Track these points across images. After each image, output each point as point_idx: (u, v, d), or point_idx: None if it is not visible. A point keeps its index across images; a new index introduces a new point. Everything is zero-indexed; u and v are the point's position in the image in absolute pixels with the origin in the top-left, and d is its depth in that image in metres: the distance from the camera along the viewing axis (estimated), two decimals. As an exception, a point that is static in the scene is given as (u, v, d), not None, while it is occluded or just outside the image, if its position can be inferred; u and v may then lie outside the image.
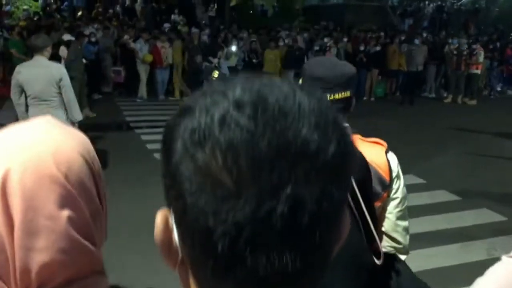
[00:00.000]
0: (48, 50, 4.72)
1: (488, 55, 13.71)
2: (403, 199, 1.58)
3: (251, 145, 0.40)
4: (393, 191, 1.55)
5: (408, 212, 1.63)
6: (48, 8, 17.18)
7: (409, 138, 8.62)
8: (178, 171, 0.43)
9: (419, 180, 6.12)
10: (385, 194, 1.52)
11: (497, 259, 3.33)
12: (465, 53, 12.64)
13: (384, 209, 1.55)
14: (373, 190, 1.48)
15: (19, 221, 0.63)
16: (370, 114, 10.25)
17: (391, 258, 1.53)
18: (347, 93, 1.53)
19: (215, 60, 7.47)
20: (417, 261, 3.75)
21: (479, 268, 3.42)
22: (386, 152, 1.55)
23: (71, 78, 9.32)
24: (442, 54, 13.33)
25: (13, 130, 0.72)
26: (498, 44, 15.09)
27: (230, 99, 0.43)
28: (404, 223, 1.60)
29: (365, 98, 12.93)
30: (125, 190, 5.48)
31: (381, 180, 1.50)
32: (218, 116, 0.42)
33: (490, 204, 5.32)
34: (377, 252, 1.40)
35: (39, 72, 4.63)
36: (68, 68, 9.13)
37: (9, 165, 0.65)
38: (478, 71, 12.99)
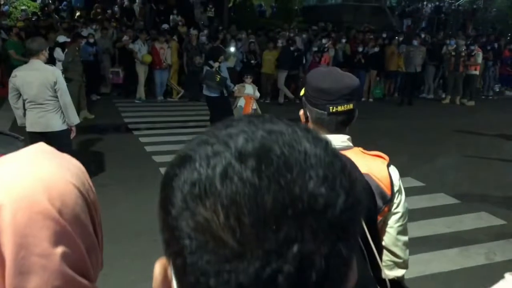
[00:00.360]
0: (44, 54, 4.71)
1: (486, 55, 13.73)
2: (404, 213, 1.57)
3: (255, 201, 0.38)
4: (395, 206, 1.54)
5: (407, 216, 1.62)
6: (46, 9, 17.10)
7: (408, 139, 8.63)
8: (177, 226, 0.41)
9: (418, 183, 6.13)
10: (386, 208, 1.51)
11: (496, 264, 3.33)
12: (463, 54, 12.65)
13: (385, 223, 1.55)
14: (375, 203, 1.48)
15: (10, 260, 0.61)
16: (368, 115, 10.23)
17: (397, 287, 1.53)
18: (350, 106, 1.52)
19: (216, 64, 7.42)
20: (417, 266, 3.77)
21: (478, 273, 3.44)
22: (388, 166, 1.53)
23: (69, 80, 9.34)
24: (441, 55, 13.34)
25: (3, 161, 0.70)
26: (496, 44, 15.10)
27: (232, 149, 0.41)
28: (404, 238, 1.59)
29: (363, 99, 12.95)
30: (124, 194, 5.48)
31: (382, 194, 1.49)
32: (220, 169, 0.40)
33: (489, 207, 5.32)
34: (382, 281, 1.39)
35: (34, 76, 4.61)
36: (65, 70, 9.16)
37: (0, 201, 0.63)
38: (477, 72, 13.01)
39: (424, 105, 12.67)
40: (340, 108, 1.50)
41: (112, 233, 4.40)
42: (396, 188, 1.52)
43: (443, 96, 13.52)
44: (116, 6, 17.46)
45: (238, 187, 0.38)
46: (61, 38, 9.80)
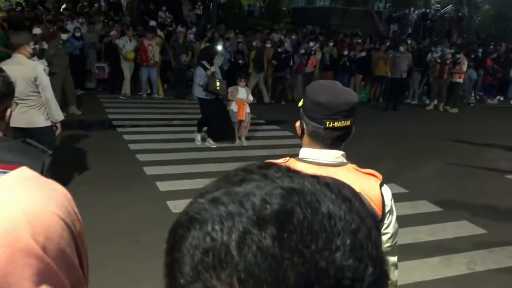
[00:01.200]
0: (27, 49, 4.60)
1: (470, 64, 13.93)
2: (394, 234, 1.55)
3: (276, 275, 0.34)
4: (385, 226, 1.51)
5: (397, 236, 1.61)
6: (31, -1, 16.81)
7: (392, 145, 8.70)
8: None
9: (402, 190, 6.16)
10: None
11: (477, 274, 3.36)
12: (448, 61, 12.81)
13: None
14: None
15: None
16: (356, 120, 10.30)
17: None
18: (348, 122, 1.50)
19: (212, 68, 7.24)
20: (401, 274, 3.77)
21: (460, 283, 3.46)
22: (381, 185, 1.51)
23: (52, 74, 9.17)
24: (426, 61, 13.49)
25: None
26: (480, 52, 15.33)
27: (249, 212, 0.37)
28: (393, 259, 1.58)
29: (349, 102, 13.00)
30: (106, 193, 5.39)
31: (373, 215, 1.47)
32: (237, 236, 0.36)
33: (471, 216, 5.38)
34: None
35: (16, 71, 4.46)
36: (49, 63, 8.99)
37: None
38: (461, 80, 13.18)
39: (409, 111, 12.80)
40: (337, 124, 1.48)
41: (92, 234, 4.32)
42: (387, 209, 1.50)
43: (427, 102, 13.67)
44: (103, 0, 17.23)
45: (257, 258, 0.35)
46: (36, 31, 9.59)
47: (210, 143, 7.59)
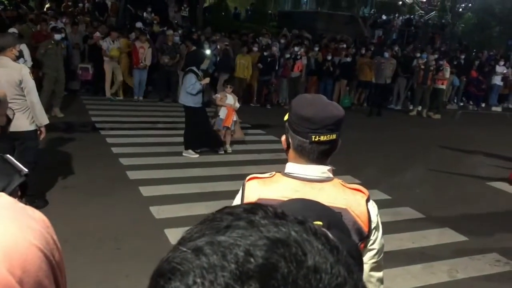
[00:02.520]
0: (13, 51, 4.52)
1: (453, 70, 14.13)
2: (380, 250, 1.55)
3: None
4: (371, 242, 1.51)
5: (383, 252, 1.60)
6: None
7: (375, 151, 8.76)
8: None
9: (385, 196, 6.20)
10: (361, 245, 1.48)
11: (458, 281, 3.39)
12: (432, 68, 12.97)
13: None
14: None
15: None
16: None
17: None
18: (333, 136, 1.48)
19: (206, 80, 7.13)
20: (384, 282, 3.79)
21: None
22: (367, 201, 1.50)
23: (42, 75, 8.99)
24: (411, 67, 13.63)
25: None
26: (462, 59, 15.56)
27: (232, 265, 0.35)
28: (378, 274, 1.57)
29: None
30: (87, 198, 5.31)
31: (359, 231, 1.46)
32: None
33: (453, 223, 5.43)
34: None
35: (1, 74, 4.43)
36: (40, 63, 8.86)
37: None
38: (443, 86, 13.37)
39: (392, 117, 12.92)
40: (323, 138, 1.47)
41: (73, 240, 4.25)
42: (373, 225, 1.49)
43: (411, 108, 13.82)
44: (86, 0, 17.03)
45: None
46: (11, 30, 9.38)
47: (190, 153, 7.29)
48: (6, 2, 16.02)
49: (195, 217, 5.15)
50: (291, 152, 1.56)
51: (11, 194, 1.16)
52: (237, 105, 7.71)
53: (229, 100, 7.57)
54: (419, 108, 13.48)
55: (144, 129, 8.69)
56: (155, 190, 5.72)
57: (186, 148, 7.33)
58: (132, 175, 6.20)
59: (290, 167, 1.54)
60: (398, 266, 4.29)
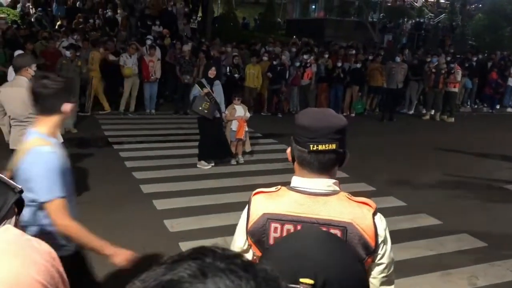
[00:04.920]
0: (29, 70, 4.59)
1: (464, 72, 13.99)
2: (389, 264, 1.51)
3: None
4: (379, 257, 1.48)
5: (393, 266, 1.56)
6: (26, 17, 16.86)
7: (389, 156, 8.68)
8: None
9: (400, 203, 6.14)
10: (369, 259, 1.45)
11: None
12: (443, 71, 12.86)
13: (368, 273, 1.49)
14: (358, 254, 1.42)
15: None
16: (350, 131, 10.26)
17: None
18: (333, 146, 1.47)
19: (205, 90, 7.10)
20: (400, 293, 3.73)
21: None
22: (374, 215, 1.46)
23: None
24: (422, 71, 13.53)
25: None
26: (474, 61, 15.38)
27: None
28: None
29: (344, 114, 13.06)
30: (101, 214, 5.33)
31: (365, 245, 1.43)
32: None
33: (470, 229, 5.34)
34: None
35: (17, 93, 4.49)
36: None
37: None
38: (456, 89, 13.24)
39: (405, 121, 12.82)
40: (321, 147, 1.45)
41: (90, 258, 4.27)
42: (380, 239, 1.46)
43: (424, 112, 13.70)
44: (96, 16, 17.26)
45: None
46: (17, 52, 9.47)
47: (203, 164, 7.32)
48: (19, 21, 16.31)
49: (209, 230, 5.11)
50: (295, 165, 1.56)
51: (8, 212, 1.17)
52: (248, 114, 7.73)
53: (239, 112, 7.56)
54: (432, 112, 13.36)
55: (157, 142, 8.73)
56: (169, 203, 5.73)
57: (199, 159, 7.36)
58: (146, 188, 6.22)
59: (295, 180, 1.54)
60: (416, 275, 4.23)
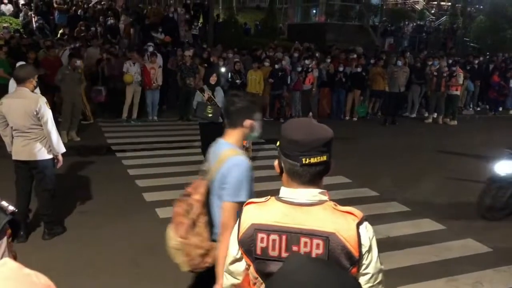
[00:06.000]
0: (32, 82, 4.61)
1: (466, 75, 13.96)
2: (376, 274, 1.50)
3: None
4: (364, 266, 1.47)
5: (380, 276, 1.53)
6: (29, 26, 16.94)
7: (392, 160, 8.66)
8: None
9: (404, 208, 6.11)
10: (353, 269, 1.44)
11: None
12: (445, 74, 12.84)
13: None
14: (341, 264, 1.41)
15: None
16: (353, 135, 10.28)
17: None
18: (324, 157, 1.49)
19: (206, 95, 7.14)
20: (405, 300, 3.71)
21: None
22: (359, 224, 1.45)
23: (61, 100, 9.11)
24: (424, 74, 13.51)
25: None
26: (476, 64, 15.34)
27: None
28: None
29: (347, 118, 13.06)
30: (105, 222, 5.34)
31: (349, 255, 1.42)
32: None
33: (475, 234, 5.31)
34: None
35: (19, 104, 4.52)
36: (58, 89, 9.01)
37: None
38: (458, 92, 13.21)
39: (408, 125, 12.80)
40: (313, 160, 1.48)
41: (92, 265, 4.27)
42: (364, 249, 1.45)
43: (426, 115, 13.67)
44: (98, 24, 17.32)
45: None
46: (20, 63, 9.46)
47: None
48: (22, 30, 16.39)
49: (212, 239, 5.03)
50: (284, 176, 1.58)
51: (0, 233, 1.17)
52: None
53: None
54: (435, 115, 13.33)
55: (159, 149, 8.73)
56: (172, 212, 5.71)
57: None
58: (149, 197, 6.22)
59: (283, 191, 1.56)
60: (420, 281, 4.20)
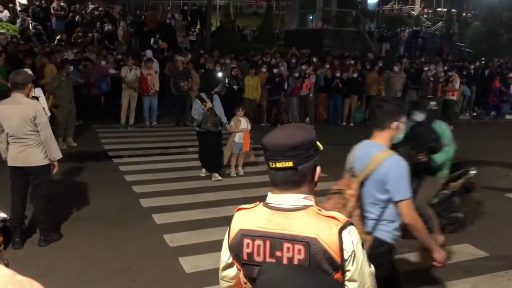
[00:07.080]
0: (29, 87, 4.60)
1: (462, 80, 14.03)
2: (364, 281, 1.48)
3: None
4: (349, 273, 1.45)
5: (369, 283, 1.51)
6: (27, 32, 16.93)
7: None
8: None
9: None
10: (337, 275, 1.42)
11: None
12: (441, 80, 12.90)
13: None
14: (323, 269, 1.40)
15: None
16: (350, 141, 10.28)
17: None
18: (289, 163, 1.45)
19: (208, 105, 7.12)
20: (402, 306, 3.69)
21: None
22: (342, 229, 1.43)
23: (56, 107, 9.15)
24: (421, 80, 13.57)
25: None
26: (472, 69, 15.41)
27: None
28: None
29: (344, 123, 13.09)
30: (101, 228, 5.32)
31: (330, 260, 1.40)
32: None
33: (472, 238, 5.31)
34: None
35: (15, 110, 4.51)
36: (53, 95, 9.02)
37: None
38: (454, 98, 13.26)
39: (405, 130, 12.79)
40: (278, 165, 1.47)
41: (87, 272, 4.25)
42: (347, 254, 1.42)
43: (423, 120, 13.68)
44: (95, 30, 17.33)
45: None
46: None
47: (202, 172, 7.54)
48: (19, 36, 16.39)
49: (209, 244, 5.05)
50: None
51: None
52: (249, 127, 7.73)
53: (243, 124, 7.55)
54: (431, 120, 13.35)
55: (156, 155, 8.72)
56: (169, 217, 5.71)
57: (201, 168, 7.55)
58: (145, 202, 6.21)
59: (268, 196, 1.56)
60: (417, 287, 4.19)
